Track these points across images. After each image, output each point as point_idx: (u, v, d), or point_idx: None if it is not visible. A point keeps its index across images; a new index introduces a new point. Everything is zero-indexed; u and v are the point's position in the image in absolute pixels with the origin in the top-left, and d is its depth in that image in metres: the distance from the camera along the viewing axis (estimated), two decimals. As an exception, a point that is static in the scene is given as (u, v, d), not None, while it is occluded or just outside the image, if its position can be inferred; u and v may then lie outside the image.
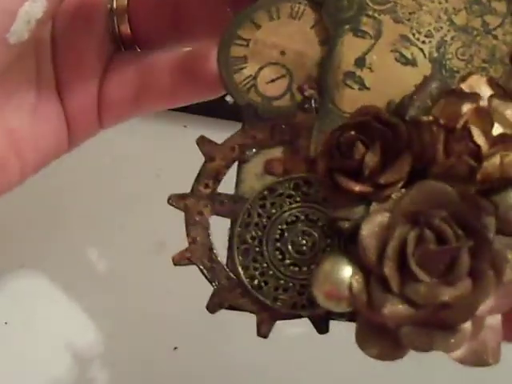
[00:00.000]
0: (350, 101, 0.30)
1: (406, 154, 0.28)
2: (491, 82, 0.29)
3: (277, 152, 0.30)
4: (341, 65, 0.30)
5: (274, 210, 0.30)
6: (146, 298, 0.49)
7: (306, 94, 0.30)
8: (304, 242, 0.30)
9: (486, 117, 0.27)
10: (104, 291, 0.50)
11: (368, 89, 0.30)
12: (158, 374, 0.46)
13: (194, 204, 0.30)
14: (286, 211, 0.30)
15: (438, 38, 0.30)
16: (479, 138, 0.27)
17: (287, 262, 0.30)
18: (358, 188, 0.28)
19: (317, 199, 0.29)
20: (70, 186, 0.56)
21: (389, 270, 0.26)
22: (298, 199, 0.30)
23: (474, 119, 0.27)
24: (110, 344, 0.48)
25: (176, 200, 0.30)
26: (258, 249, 0.30)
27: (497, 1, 0.30)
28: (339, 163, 0.28)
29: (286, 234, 0.30)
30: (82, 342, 0.48)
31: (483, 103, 0.28)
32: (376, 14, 0.30)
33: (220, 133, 0.63)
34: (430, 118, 0.28)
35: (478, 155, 0.27)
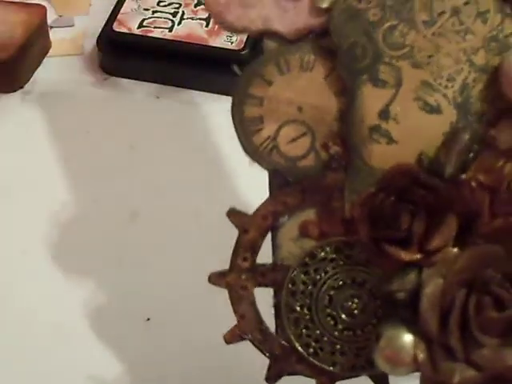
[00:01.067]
0: (380, 156, 0.28)
1: (450, 216, 0.27)
2: None
3: (310, 214, 0.30)
4: (364, 119, 0.28)
5: (318, 276, 0.29)
6: (120, 268, 0.49)
7: (332, 151, 0.29)
8: (354, 305, 0.29)
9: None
10: (78, 262, 0.50)
11: (396, 142, 0.28)
12: (131, 345, 0.46)
13: (235, 280, 0.30)
14: (331, 276, 0.29)
15: (459, 81, 0.28)
16: None
17: (340, 326, 0.29)
18: (407, 257, 0.27)
19: (360, 261, 0.29)
20: (44, 159, 0.56)
21: (454, 340, 0.26)
22: (342, 263, 0.29)
23: None
24: (83, 316, 0.48)
25: (217, 279, 0.29)
26: (308, 316, 0.29)
27: None
28: (386, 233, 0.27)
29: (334, 300, 0.29)
30: (59, 315, 0.47)
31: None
32: (393, 61, 0.28)
33: (192, 104, 0.59)
34: (470, 175, 0.27)
35: None
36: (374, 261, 0.28)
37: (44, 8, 0.63)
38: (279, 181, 0.29)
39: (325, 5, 0.29)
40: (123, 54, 0.61)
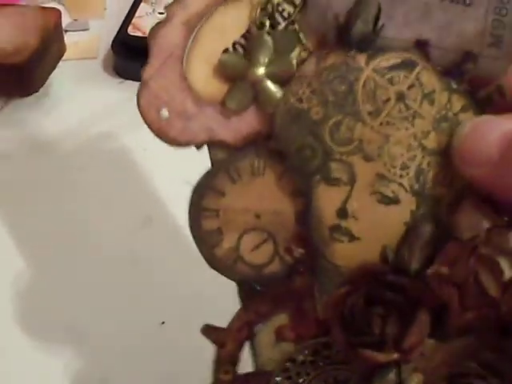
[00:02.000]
0: (343, 255, 0.28)
1: (422, 313, 0.26)
2: (481, 207, 0.27)
3: (283, 318, 0.29)
4: (323, 219, 0.28)
5: (301, 380, 0.29)
6: (133, 272, 0.50)
7: (296, 255, 0.29)
8: (339, 404, 0.29)
9: (493, 264, 0.26)
10: (91, 265, 0.51)
11: (358, 239, 0.28)
12: (145, 348, 0.46)
13: None
14: (313, 378, 0.29)
15: (414, 167, 0.27)
16: (492, 289, 0.26)
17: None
18: (383, 358, 0.27)
19: (339, 360, 0.29)
20: (58, 161, 0.57)
21: None
22: (321, 364, 0.29)
23: (482, 269, 0.26)
24: (97, 319, 0.48)
25: (201, 396, 0.30)
26: (295, 420, 0.30)
27: (463, 113, 0.27)
28: (360, 339, 0.27)
29: (319, 401, 0.29)
30: (69, 315, 0.48)
31: (483, 241, 0.27)
32: (344, 157, 0.27)
33: None
34: (435, 268, 0.27)
35: (494, 305, 0.26)
36: (352, 362, 0.28)
37: (59, 12, 0.63)
38: (248, 289, 0.29)
39: (234, 107, 0.28)
40: (138, 58, 0.61)
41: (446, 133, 0.28)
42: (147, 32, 0.62)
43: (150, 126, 0.29)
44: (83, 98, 0.62)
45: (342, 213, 0.28)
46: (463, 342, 0.27)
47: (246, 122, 0.28)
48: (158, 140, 0.58)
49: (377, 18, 0.27)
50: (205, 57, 0.28)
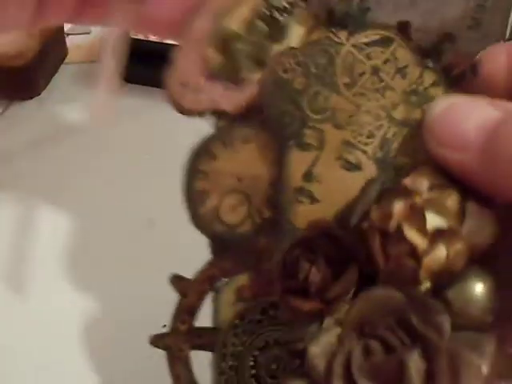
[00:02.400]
0: (304, 217, 0.28)
1: (351, 266, 0.26)
2: (433, 174, 0.27)
3: (245, 278, 0.30)
4: (290, 183, 0.29)
5: (245, 338, 0.29)
6: (136, 275, 0.49)
7: (264, 216, 0.30)
8: (275, 366, 0.28)
9: (418, 213, 0.25)
10: (94, 268, 0.50)
11: (318, 201, 0.28)
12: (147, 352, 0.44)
13: (174, 341, 0.30)
14: (256, 337, 0.29)
15: (379, 136, 0.28)
16: (414, 237, 0.25)
17: (264, 388, 0.29)
18: (306, 306, 0.26)
19: (283, 321, 0.28)
20: (61, 165, 0.57)
21: None
22: (267, 323, 0.29)
23: (407, 218, 0.25)
24: (99, 320, 0.48)
25: (156, 340, 0.30)
26: (235, 378, 0.29)
27: (434, 87, 0.28)
28: (287, 284, 0.27)
29: (259, 361, 0.29)
30: (74, 319, 0.48)
31: (423, 198, 0.26)
32: (317, 124, 0.29)
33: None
34: (369, 223, 0.26)
35: (415, 255, 0.25)
36: (289, 317, 0.28)
37: None
38: (219, 246, 0.30)
39: (254, 77, 0.31)
40: (140, 61, 0.58)
41: (415, 106, 0.28)
42: (149, 35, 0.59)
43: (169, 97, 0.33)
44: (85, 102, 0.64)
45: (308, 176, 0.29)
46: (382, 293, 0.25)
47: (245, 95, 0.31)
48: (160, 143, 0.58)
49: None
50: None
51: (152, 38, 0.62)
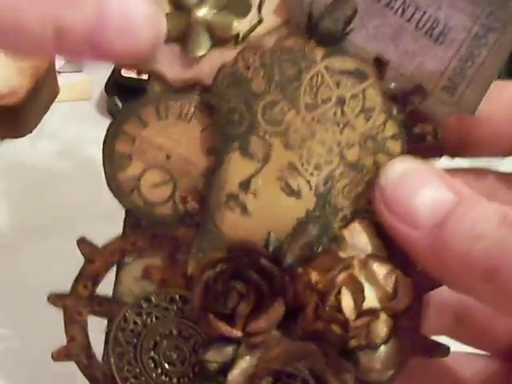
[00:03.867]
0: (231, 224, 0.28)
1: (277, 303, 0.27)
2: (371, 233, 0.28)
3: (156, 259, 0.30)
4: (225, 185, 0.28)
5: (149, 320, 0.30)
6: None
7: (189, 206, 0.29)
8: (175, 356, 0.30)
9: (358, 289, 0.27)
10: None
11: (250, 215, 0.28)
12: None
13: (73, 304, 0.30)
14: (160, 323, 0.30)
15: (326, 171, 0.28)
16: (349, 313, 0.26)
17: (159, 371, 0.30)
18: (229, 333, 0.27)
19: (190, 317, 0.30)
20: (50, 204, 0.57)
21: None
22: (173, 314, 0.30)
23: (347, 285, 0.27)
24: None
25: (55, 300, 0.30)
26: (132, 354, 0.30)
27: (393, 140, 0.28)
28: (213, 307, 0.27)
29: (159, 346, 0.30)
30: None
31: (358, 264, 0.27)
32: (267, 136, 0.28)
33: None
34: (307, 270, 0.27)
35: (345, 326, 0.27)
36: (200, 324, 0.29)
37: None
38: (133, 221, 0.30)
39: (201, 53, 0.28)
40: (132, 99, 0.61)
41: (369, 152, 0.28)
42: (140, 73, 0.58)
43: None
44: (77, 139, 0.61)
45: (245, 186, 0.28)
46: (304, 347, 0.27)
47: (191, 68, 0.28)
48: None
49: (349, 21, 0.27)
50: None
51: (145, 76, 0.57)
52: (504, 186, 0.30)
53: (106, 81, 0.64)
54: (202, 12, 0.28)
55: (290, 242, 0.28)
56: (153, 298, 0.30)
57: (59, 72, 0.66)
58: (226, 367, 0.28)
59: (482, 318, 0.33)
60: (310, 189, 0.28)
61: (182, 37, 0.28)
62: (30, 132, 0.63)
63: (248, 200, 0.28)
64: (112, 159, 0.29)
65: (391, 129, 0.28)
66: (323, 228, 0.28)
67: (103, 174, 0.29)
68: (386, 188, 0.27)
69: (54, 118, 0.64)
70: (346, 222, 0.28)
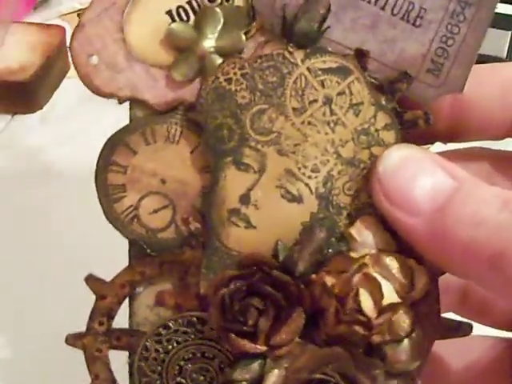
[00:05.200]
0: (237, 239, 0.28)
1: (297, 313, 0.27)
2: (378, 227, 0.28)
3: (167, 284, 0.30)
4: (225, 201, 0.27)
5: (170, 346, 0.30)
6: None
7: (192, 227, 0.29)
8: (202, 377, 0.30)
9: (375, 286, 0.26)
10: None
11: (254, 227, 0.28)
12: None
13: (91, 342, 0.29)
14: (182, 348, 0.30)
15: (324, 172, 0.27)
16: (369, 311, 0.26)
17: (188, 394, 0.30)
18: (253, 350, 0.27)
19: (211, 337, 0.29)
20: (60, 180, 0.57)
21: None
22: (193, 336, 0.29)
23: (364, 285, 0.27)
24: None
25: (73, 340, 0.30)
26: (158, 382, 0.30)
27: (385, 131, 0.27)
28: (233, 327, 0.27)
29: (184, 370, 0.30)
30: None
31: (371, 261, 0.27)
32: (259, 146, 0.27)
33: None
34: (321, 275, 0.27)
35: (367, 325, 0.27)
36: (222, 342, 0.29)
37: (63, 29, 0.63)
38: (138, 250, 0.29)
39: (179, 78, 0.28)
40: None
41: (364, 146, 0.28)
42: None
43: (76, 69, 0.28)
44: (87, 116, 0.60)
45: (245, 199, 0.28)
46: (330, 352, 0.27)
47: (173, 89, 0.28)
48: None
49: (324, 19, 0.27)
50: (146, 14, 0.28)
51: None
52: (501, 167, 0.30)
53: None
54: (207, 43, 0.27)
55: (299, 250, 0.27)
56: (171, 324, 0.29)
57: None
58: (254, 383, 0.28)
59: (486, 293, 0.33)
60: (311, 192, 0.28)
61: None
62: (41, 108, 0.62)
63: (250, 213, 0.28)
64: (106, 192, 0.29)
65: (383, 120, 0.27)
66: (330, 229, 0.28)
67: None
68: (383, 178, 0.27)
69: (65, 94, 0.63)
70: (352, 220, 0.28)
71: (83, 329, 0.30)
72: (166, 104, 0.28)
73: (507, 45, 0.65)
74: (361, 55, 0.27)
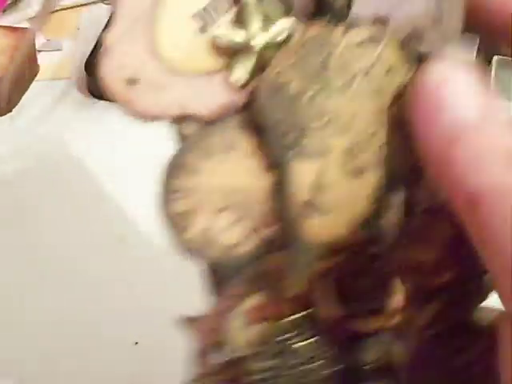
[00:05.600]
0: (316, 231, 0.27)
1: (403, 280, 0.28)
2: None
3: (252, 300, 0.28)
4: (296, 195, 0.27)
5: (275, 361, 0.28)
6: (107, 291, 0.50)
7: (266, 234, 0.28)
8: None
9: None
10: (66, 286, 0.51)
11: (329, 214, 0.27)
12: (119, 368, 0.47)
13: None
14: (288, 355, 0.28)
15: (377, 142, 0.27)
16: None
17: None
18: (374, 326, 0.27)
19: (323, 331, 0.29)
20: (28, 184, 0.58)
21: None
22: (295, 340, 0.28)
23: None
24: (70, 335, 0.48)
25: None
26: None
27: None
28: (349, 308, 0.27)
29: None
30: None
31: None
32: (318, 132, 0.27)
33: None
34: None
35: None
36: (331, 334, 0.28)
37: (32, 32, 0.64)
38: (219, 274, 0.28)
39: (240, 82, 0.27)
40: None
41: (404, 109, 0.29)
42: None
43: (115, 98, 0.25)
44: (57, 118, 0.61)
45: (315, 188, 0.28)
46: (438, 305, 0.28)
47: (223, 95, 0.27)
48: (130, 160, 0.60)
49: (350, -8, 0.28)
50: (173, 23, 0.26)
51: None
52: None
53: (86, 59, 0.63)
54: (256, 40, 0.26)
55: (383, 218, 0.28)
56: (267, 339, 0.28)
57: (39, 51, 0.65)
58: (381, 363, 0.28)
59: None
60: (370, 164, 0.28)
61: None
62: (10, 111, 0.62)
63: (322, 200, 0.28)
64: (173, 223, 0.26)
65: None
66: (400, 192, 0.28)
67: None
68: (421, 96, 0.26)
69: (34, 97, 0.63)
70: (411, 182, 0.29)
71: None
72: (217, 113, 0.27)
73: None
74: (382, 22, 0.28)
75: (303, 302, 0.28)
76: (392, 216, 0.28)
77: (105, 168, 0.59)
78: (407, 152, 0.29)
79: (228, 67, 0.27)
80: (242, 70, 0.27)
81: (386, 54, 0.28)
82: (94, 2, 0.70)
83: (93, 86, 0.62)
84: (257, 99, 0.27)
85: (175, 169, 0.26)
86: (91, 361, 0.47)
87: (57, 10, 0.69)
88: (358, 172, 0.28)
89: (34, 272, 0.52)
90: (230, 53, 0.27)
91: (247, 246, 0.27)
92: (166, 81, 0.26)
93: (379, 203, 0.28)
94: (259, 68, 0.27)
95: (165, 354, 0.47)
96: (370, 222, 0.28)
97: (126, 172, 0.58)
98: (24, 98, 0.63)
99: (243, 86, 0.27)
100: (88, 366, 0.47)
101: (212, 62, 0.27)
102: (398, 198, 0.28)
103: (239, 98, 0.27)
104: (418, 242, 0.28)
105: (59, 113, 0.62)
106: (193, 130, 0.27)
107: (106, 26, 0.64)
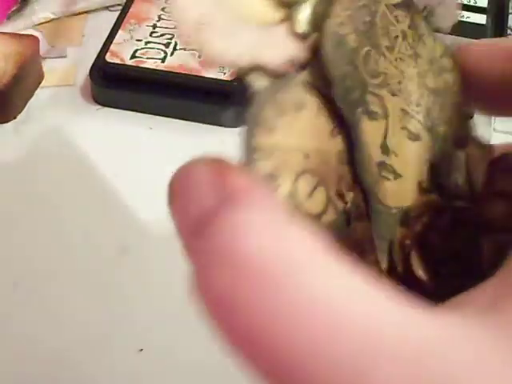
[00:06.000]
0: (392, 194, 0.25)
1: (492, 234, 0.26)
2: None
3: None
4: (371, 156, 0.25)
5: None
6: (110, 301, 0.49)
7: (349, 200, 0.25)
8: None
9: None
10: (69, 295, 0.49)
11: (401, 176, 0.26)
12: (123, 375, 0.46)
13: None
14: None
15: (424, 105, 0.27)
16: None
17: None
18: None
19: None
20: (35, 189, 0.56)
21: None
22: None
23: None
24: (76, 344, 0.47)
25: None
26: None
27: (444, 57, 0.28)
28: (448, 268, 0.24)
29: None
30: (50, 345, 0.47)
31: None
32: (377, 90, 0.25)
33: (185, 135, 0.60)
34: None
35: None
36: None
37: (37, 39, 0.63)
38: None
39: (302, 29, 0.25)
40: (116, 85, 0.61)
41: (437, 74, 0.28)
42: (125, 59, 0.63)
43: (191, 40, 0.22)
44: (61, 125, 0.60)
45: (385, 149, 0.25)
46: None
47: (289, 47, 0.24)
48: (133, 167, 0.57)
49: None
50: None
51: (129, 62, 0.60)
52: None
53: (90, 66, 0.62)
54: None
55: (459, 174, 0.26)
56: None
57: (44, 57, 0.65)
58: None
59: None
60: (423, 127, 0.27)
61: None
62: (15, 118, 0.61)
63: (393, 162, 0.26)
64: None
65: (439, 48, 0.29)
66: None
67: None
68: None
69: (39, 104, 0.62)
70: (456, 145, 0.28)
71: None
72: (284, 66, 0.24)
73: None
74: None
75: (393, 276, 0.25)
76: (459, 174, 0.27)
77: (109, 175, 0.57)
78: (448, 118, 0.28)
79: (289, 18, 0.24)
80: (302, 20, 0.24)
81: (417, 20, 0.28)
82: (99, 9, 0.68)
83: (97, 92, 0.61)
84: (322, 52, 0.24)
85: (253, 127, 0.23)
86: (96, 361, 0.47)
87: (62, 17, 0.67)
88: (416, 136, 0.27)
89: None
90: (289, 3, 0.25)
91: (331, 216, 0.24)
92: (236, 29, 0.23)
93: (445, 162, 0.27)
94: (318, 18, 0.25)
95: (169, 361, 0.46)
96: (439, 182, 0.26)
97: (130, 177, 0.57)
98: (28, 104, 0.63)
99: (305, 37, 0.24)
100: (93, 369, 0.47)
101: (274, 13, 0.24)
102: (461, 156, 0.27)
103: (303, 51, 0.24)
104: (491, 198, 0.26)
105: (63, 119, 0.60)
106: (264, 83, 0.24)
107: (111, 33, 0.63)
